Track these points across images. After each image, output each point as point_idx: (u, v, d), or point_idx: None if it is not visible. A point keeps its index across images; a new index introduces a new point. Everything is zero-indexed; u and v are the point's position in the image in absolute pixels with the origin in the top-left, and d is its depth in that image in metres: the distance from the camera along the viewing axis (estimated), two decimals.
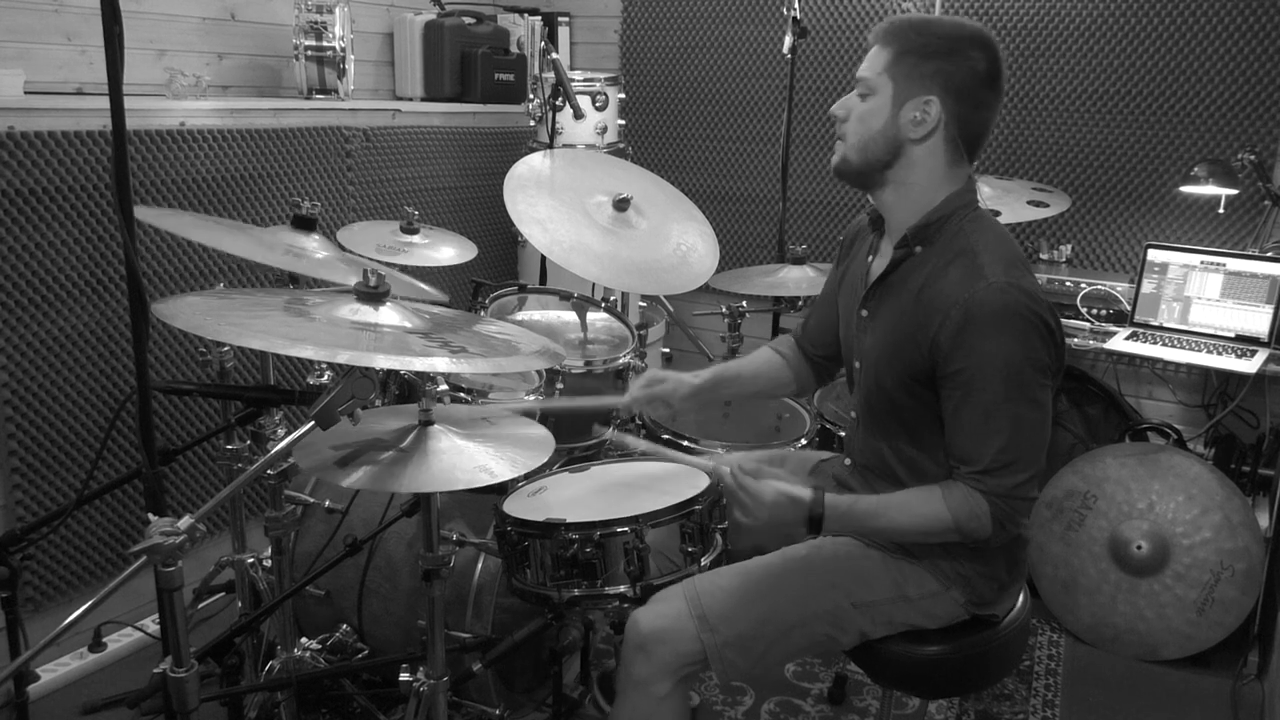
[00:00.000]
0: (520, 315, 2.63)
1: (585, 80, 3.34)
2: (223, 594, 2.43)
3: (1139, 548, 2.64)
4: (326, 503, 2.15)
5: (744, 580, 1.61)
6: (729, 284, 2.77)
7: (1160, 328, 2.90)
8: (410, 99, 3.51)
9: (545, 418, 2.24)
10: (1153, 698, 2.51)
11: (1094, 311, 2.99)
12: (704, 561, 1.67)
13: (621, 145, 3.47)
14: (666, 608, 1.57)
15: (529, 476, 1.83)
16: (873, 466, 1.70)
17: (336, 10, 2.98)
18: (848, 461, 1.79)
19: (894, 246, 1.61)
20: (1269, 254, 2.86)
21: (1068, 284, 3.04)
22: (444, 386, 2.11)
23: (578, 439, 2.39)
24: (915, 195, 1.58)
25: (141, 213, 1.82)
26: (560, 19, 4.00)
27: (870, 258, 1.70)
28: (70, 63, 2.53)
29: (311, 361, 2.43)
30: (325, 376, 2.11)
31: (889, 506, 1.56)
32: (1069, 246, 3.29)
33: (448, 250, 2.58)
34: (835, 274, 1.86)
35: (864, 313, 1.67)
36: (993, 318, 1.45)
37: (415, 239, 2.57)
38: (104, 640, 2.13)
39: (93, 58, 2.56)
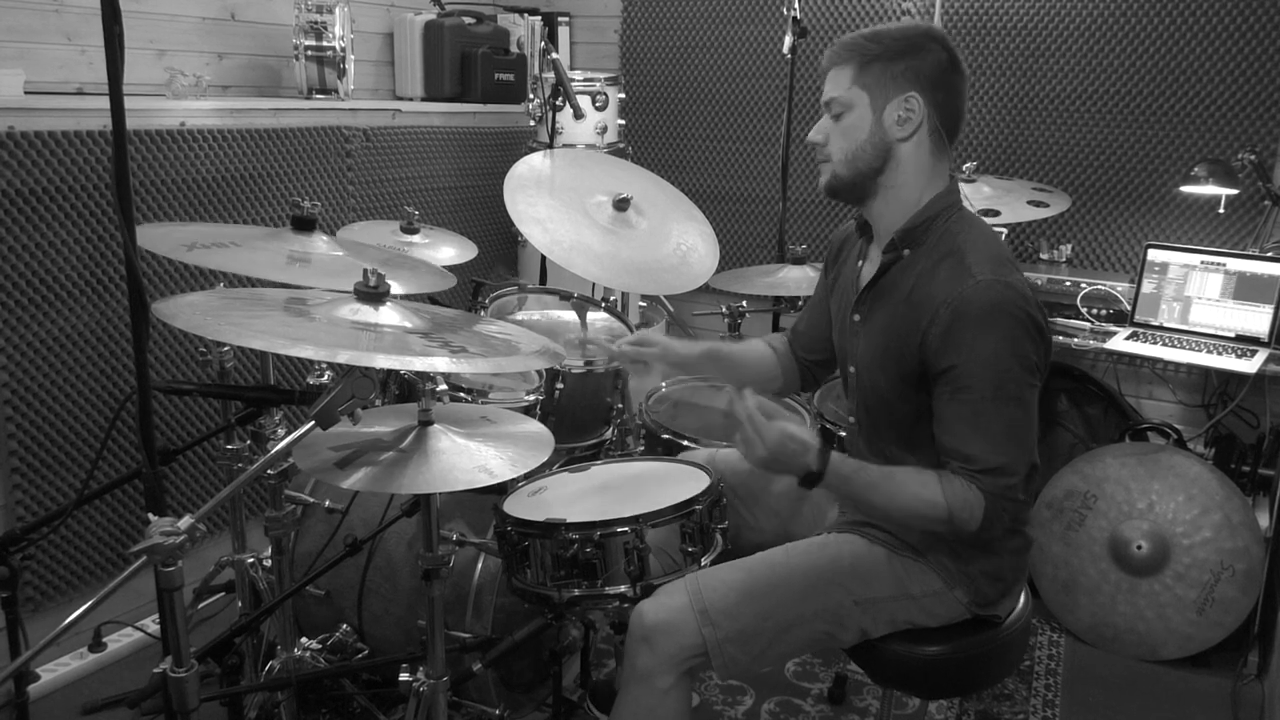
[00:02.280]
0: (520, 315, 2.63)
1: (585, 80, 3.34)
2: (223, 594, 2.43)
3: (1139, 548, 2.64)
4: (326, 503, 2.15)
5: (746, 576, 1.61)
6: (729, 284, 2.77)
7: (1160, 328, 2.90)
8: (410, 99, 3.51)
9: (545, 417, 2.25)
10: (1153, 698, 2.51)
11: (1094, 311, 2.99)
12: (704, 562, 1.67)
13: (621, 145, 3.47)
14: (670, 600, 1.57)
15: (529, 476, 1.83)
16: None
17: (336, 10, 2.98)
18: None
19: (882, 251, 1.62)
20: (1269, 254, 2.86)
21: (1068, 284, 3.04)
22: (444, 386, 2.11)
23: (578, 439, 2.39)
24: (903, 197, 1.60)
25: (152, 239, 1.78)
26: (560, 19, 4.00)
27: (860, 263, 1.72)
28: (70, 63, 2.53)
29: (311, 361, 2.43)
30: (325, 376, 2.11)
31: (889, 481, 1.54)
32: (1069, 246, 3.29)
33: (448, 250, 2.58)
34: (824, 281, 1.87)
35: (856, 317, 1.68)
36: (981, 315, 1.46)
37: (415, 239, 2.57)
38: (104, 640, 2.12)
39: (93, 58, 2.56)
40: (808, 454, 1.49)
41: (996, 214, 2.80)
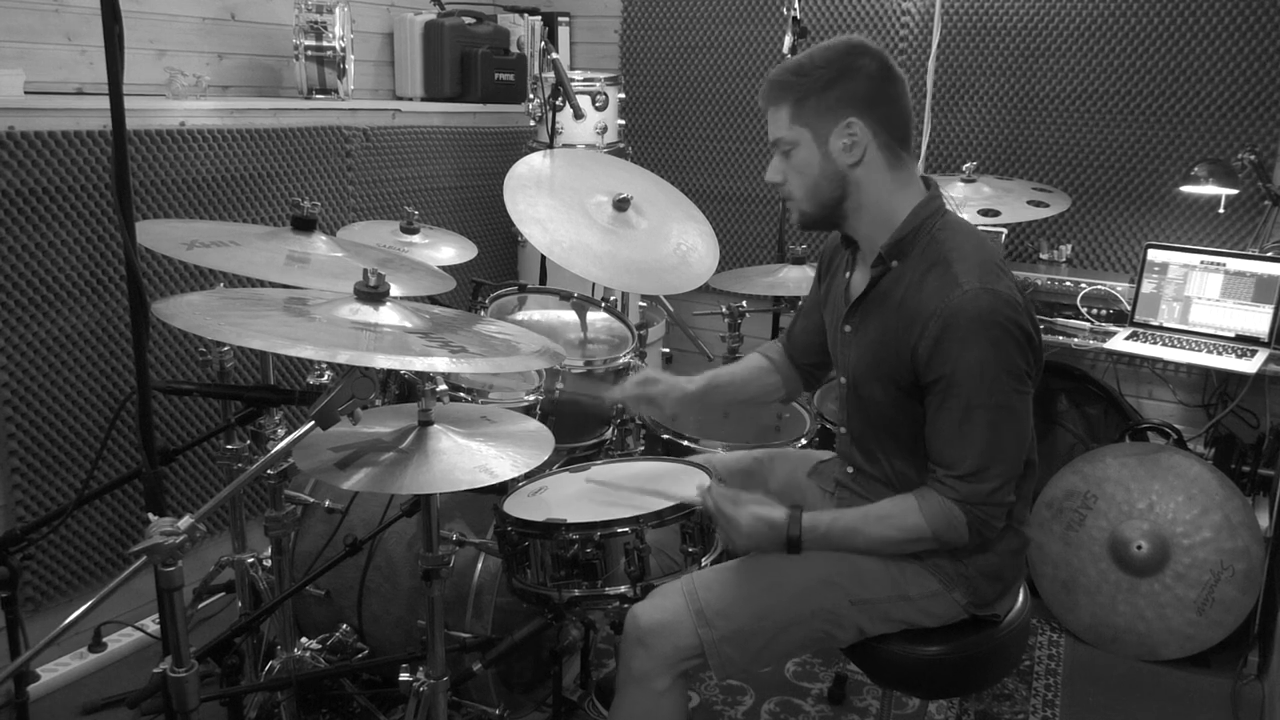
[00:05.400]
0: (520, 315, 2.63)
1: (585, 80, 3.34)
2: (223, 594, 2.43)
3: (1139, 548, 2.64)
4: (326, 503, 2.15)
5: (742, 576, 1.61)
6: (729, 284, 2.77)
7: (1160, 328, 2.90)
8: (410, 99, 3.51)
9: (545, 417, 2.24)
10: (1153, 698, 2.51)
11: (1094, 311, 2.99)
12: (704, 562, 1.67)
13: (621, 145, 3.47)
14: (665, 602, 1.58)
15: (529, 476, 1.83)
16: (873, 474, 1.71)
17: (336, 10, 2.98)
18: (850, 469, 1.79)
19: (870, 265, 1.63)
20: (1269, 254, 2.86)
21: (1068, 284, 3.04)
22: (444, 386, 2.11)
23: (578, 439, 2.39)
24: (877, 214, 1.60)
25: (152, 237, 1.76)
26: (560, 19, 4.00)
27: (848, 274, 1.72)
28: (70, 63, 2.53)
29: (311, 361, 2.43)
30: (325, 376, 2.11)
31: (866, 522, 1.57)
32: (1069, 246, 3.29)
33: (448, 250, 2.58)
34: (817, 289, 1.88)
35: (847, 329, 1.69)
36: (969, 325, 1.46)
37: (415, 239, 2.57)
38: (104, 640, 2.12)
39: (93, 58, 2.56)
40: (781, 526, 1.56)
41: (996, 214, 2.80)
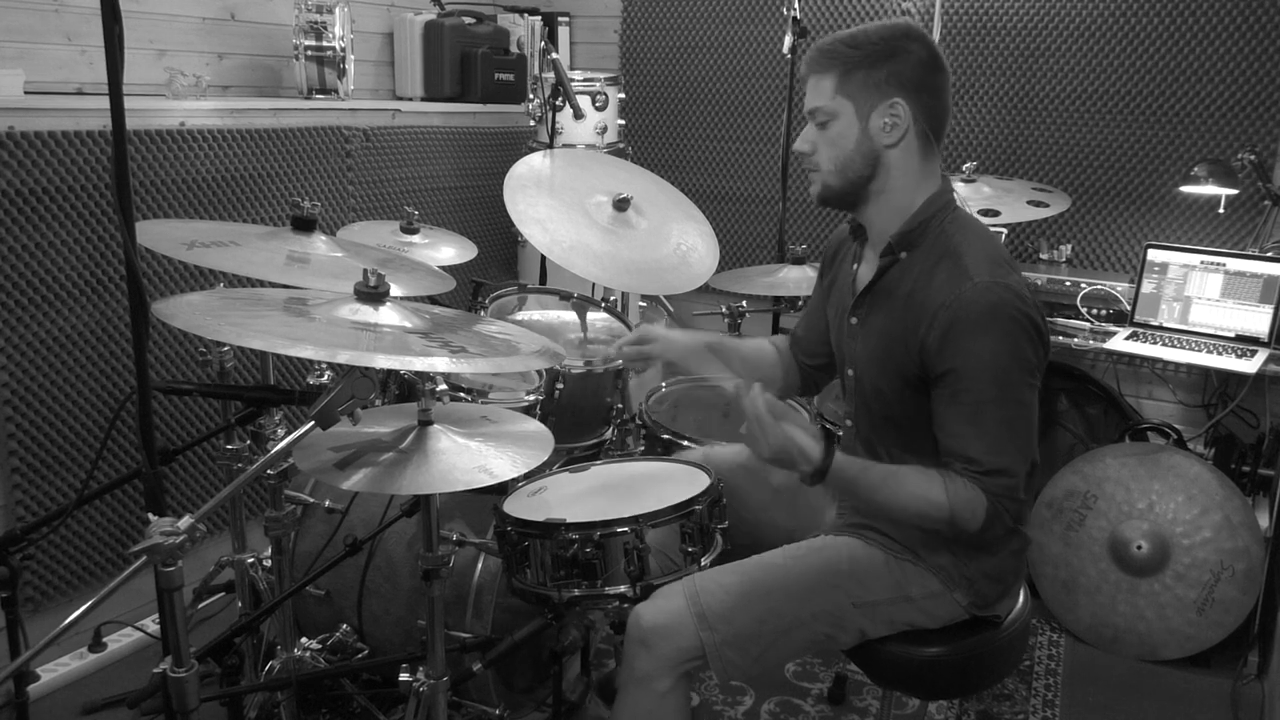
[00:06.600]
0: (520, 315, 2.63)
1: (585, 80, 3.34)
2: (223, 594, 2.43)
3: (1139, 548, 2.64)
4: (326, 503, 2.15)
5: (743, 579, 1.61)
6: (729, 284, 2.76)
7: (1160, 328, 2.90)
8: (410, 99, 3.51)
9: (545, 417, 2.25)
10: (1153, 698, 2.50)
11: (1094, 311, 2.99)
12: (704, 562, 1.67)
13: (621, 145, 3.47)
14: (667, 603, 1.57)
15: (529, 476, 1.83)
16: None
17: (336, 10, 2.98)
18: None
19: (879, 254, 1.62)
20: (1269, 254, 2.86)
21: (1068, 284, 3.04)
22: (444, 386, 2.11)
23: (578, 439, 2.39)
24: (895, 201, 1.59)
25: (151, 237, 1.76)
26: (560, 19, 4.00)
27: (855, 265, 1.72)
28: (70, 63, 2.53)
29: (311, 361, 2.43)
30: (325, 376, 2.11)
31: (894, 479, 1.52)
32: (1069, 246, 3.29)
33: (448, 250, 2.58)
34: (821, 285, 1.87)
35: (854, 320, 1.68)
36: (979, 318, 1.46)
37: (415, 239, 2.57)
38: (104, 640, 2.12)
39: (93, 58, 2.56)
40: (810, 460, 1.46)
41: (996, 214, 2.80)
